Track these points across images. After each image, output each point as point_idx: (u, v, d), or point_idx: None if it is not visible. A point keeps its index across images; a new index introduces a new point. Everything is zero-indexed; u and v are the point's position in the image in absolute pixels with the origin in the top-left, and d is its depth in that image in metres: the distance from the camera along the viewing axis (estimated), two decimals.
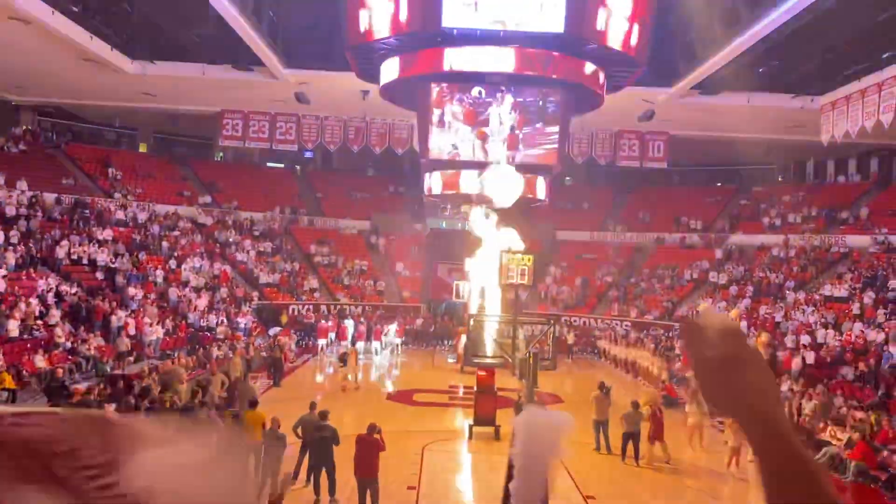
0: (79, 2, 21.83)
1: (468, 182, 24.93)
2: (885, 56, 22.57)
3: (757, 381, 1.09)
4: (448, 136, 24.50)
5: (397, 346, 28.19)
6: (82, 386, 15.96)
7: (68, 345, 18.72)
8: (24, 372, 16.45)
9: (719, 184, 41.08)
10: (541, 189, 26.21)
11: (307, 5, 27.79)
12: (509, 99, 23.89)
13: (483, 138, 23.91)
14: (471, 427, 15.60)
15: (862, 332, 21.73)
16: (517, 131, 24.21)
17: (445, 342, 29.80)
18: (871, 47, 23.31)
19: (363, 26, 22.59)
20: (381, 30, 22.18)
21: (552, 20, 21.06)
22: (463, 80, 23.71)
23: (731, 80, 26.25)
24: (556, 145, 24.99)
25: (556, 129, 24.72)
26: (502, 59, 22.35)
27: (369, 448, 10.51)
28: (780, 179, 40.07)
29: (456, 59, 22.63)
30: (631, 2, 22.07)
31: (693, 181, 41.52)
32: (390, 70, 23.74)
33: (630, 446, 13.95)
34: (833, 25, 22.36)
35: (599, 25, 21.56)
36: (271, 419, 11.25)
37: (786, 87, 27.39)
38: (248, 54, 25.86)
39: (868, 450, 13.56)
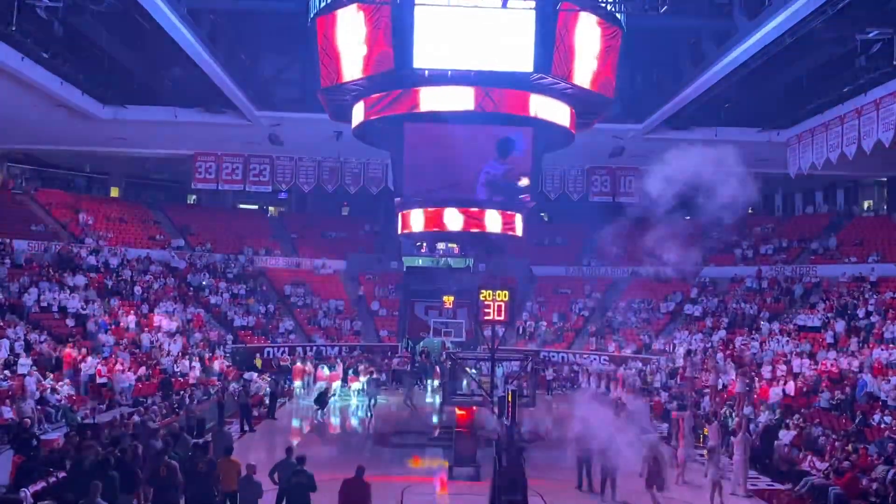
0: (48, 47, 21.66)
1: (452, 219, 24.83)
2: (845, 90, 23.10)
3: None
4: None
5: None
6: (54, 437, 15.57)
7: (37, 394, 18.24)
8: None
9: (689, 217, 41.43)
10: (518, 225, 26.27)
11: (279, 48, 28.00)
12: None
13: None
14: (451, 468, 15.40)
15: (835, 360, 21.90)
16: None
17: (424, 381, 29.53)
18: (831, 82, 23.87)
19: (335, 68, 22.69)
20: (354, 72, 22.27)
21: (521, 60, 21.34)
22: (435, 120, 23.84)
23: (699, 116, 26.79)
24: (528, 182, 25.12)
25: (528, 165, 24.87)
26: (473, 99, 22.52)
27: (358, 492, 10.29)
28: (749, 211, 40.65)
29: (428, 99, 22.77)
30: (599, 41, 22.46)
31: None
32: (362, 111, 23.82)
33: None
34: (793, 62, 22.94)
35: (568, 64, 21.89)
36: (246, 466, 11.01)
37: (752, 121, 27.95)
38: (221, 97, 25.91)
39: (854, 479, 13.66)
